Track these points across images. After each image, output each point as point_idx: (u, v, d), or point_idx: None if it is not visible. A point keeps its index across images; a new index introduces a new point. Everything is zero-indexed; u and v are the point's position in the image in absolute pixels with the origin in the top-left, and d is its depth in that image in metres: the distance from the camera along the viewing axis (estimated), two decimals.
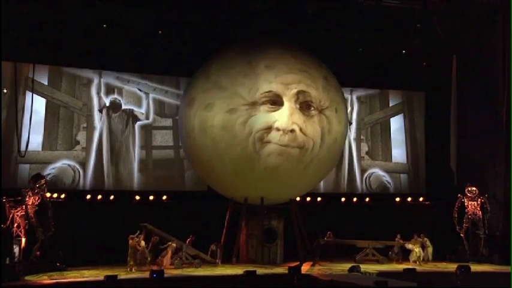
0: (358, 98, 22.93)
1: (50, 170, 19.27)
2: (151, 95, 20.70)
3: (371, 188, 22.84)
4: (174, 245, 17.90)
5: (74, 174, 19.66)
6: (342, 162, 22.30)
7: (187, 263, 17.85)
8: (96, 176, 19.92)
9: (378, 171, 22.96)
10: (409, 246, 19.32)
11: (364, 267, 17.15)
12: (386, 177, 23.06)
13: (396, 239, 19.78)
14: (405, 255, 19.54)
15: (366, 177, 22.84)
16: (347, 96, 22.17)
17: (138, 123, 20.56)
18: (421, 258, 19.12)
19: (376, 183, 22.92)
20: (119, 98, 20.36)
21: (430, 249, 19.40)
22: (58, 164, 19.48)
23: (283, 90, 18.15)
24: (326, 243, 19.69)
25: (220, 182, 19.27)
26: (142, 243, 17.28)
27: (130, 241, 17.05)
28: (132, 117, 20.49)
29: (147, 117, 20.67)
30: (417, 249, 19.18)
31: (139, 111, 20.60)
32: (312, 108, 18.42)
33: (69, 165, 19.62)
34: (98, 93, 20.07)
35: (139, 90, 20.57)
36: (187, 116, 18.69)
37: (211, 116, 18.06)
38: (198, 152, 18.77)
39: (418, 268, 17.72)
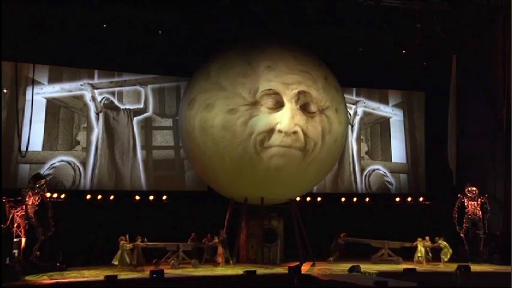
0: (364, 112, 22.96)
1: (48, 170, 19.10)
2: (149, 86, 20.66)
3: (370, 189, 22.81)
4: (217, 240, 18.19)
5: (74, 173, 19.62)
6: (342, 162, 22.30)
7: (184, 263, 17.82)
8: (96, 176, 19.92)
9: (379, 168, 22.94)
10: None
11: (379, 268, 17.15)
12: (388, 178, 23.04)
13: (422, 240, 19.42)
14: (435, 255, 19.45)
15: (366, 175, 22.82)
16: (351, 105, 22.22)
17: (137, 118, 20.52)
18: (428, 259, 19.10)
19: (376, 184, 22.88)
20: (115, 100, 20.33)
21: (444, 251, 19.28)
22: (56, 163, 19.41)
23: (284, 89, 18.15)
24: (344, 242, 19.74)
25: (221, 182, 19.26)
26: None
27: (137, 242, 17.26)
28: (131, 115, 20.48)
29: (146, 110, 20.62)
30: (422, 249, 19.19)
31: (138, 106, 20.58)
32: (313, 109, 18.42)
33: (68, 162, 19.58)
34: (93, 99, 20.03)
35: (140, 85, 20.55)
36: (188, 117, 18.69)
37: (212, 117, 18.06)
38: (199, 152, 18.76)
39: (418, 268, 17.72)
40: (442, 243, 19.28)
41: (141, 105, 20.63)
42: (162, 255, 17.92)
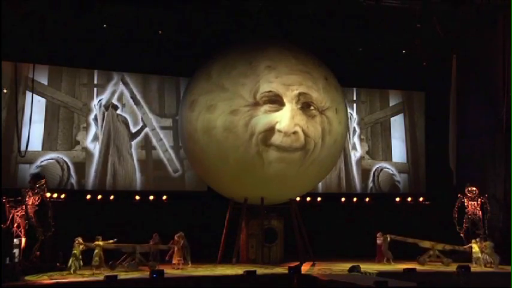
0: (358, 101, 22.96)
1: (35, 169, 18.90)
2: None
3: (379, 188, 22.76)
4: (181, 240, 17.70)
5: (62, 172, 19.55)
6: (342, 162, 22.29)
7: (141, 264, 17.30)
8: (96, 176, 19.92)
9: (387, 167, 22.93)
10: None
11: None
12: (397, 178, 23.03)
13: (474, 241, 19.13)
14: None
15: (375, 174, 22.79)
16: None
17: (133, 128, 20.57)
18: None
19: (387, 184, 22.86)
20: (118, 104, 20.34)
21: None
22: (44, 162, 19.30)
23: (284, 91, 18.15)
24: (391, 241, 19.46)
25: (222, 183, 19.26)
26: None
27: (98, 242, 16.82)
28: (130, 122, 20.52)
29: (138, 135, 20.60)
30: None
31: (136, 127, 20.56)
32: (313, 109, 18.42)
33: (57, 161, 19.53)
34: (100, 99, 20.07)
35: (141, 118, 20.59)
36: (189, 118, 18.66)
37: (214, 118, 18.05)
38: (200, 153, 18.75)
39: (419, 268, 17.72)
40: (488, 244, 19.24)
41: (138, 127, 20.57)
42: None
